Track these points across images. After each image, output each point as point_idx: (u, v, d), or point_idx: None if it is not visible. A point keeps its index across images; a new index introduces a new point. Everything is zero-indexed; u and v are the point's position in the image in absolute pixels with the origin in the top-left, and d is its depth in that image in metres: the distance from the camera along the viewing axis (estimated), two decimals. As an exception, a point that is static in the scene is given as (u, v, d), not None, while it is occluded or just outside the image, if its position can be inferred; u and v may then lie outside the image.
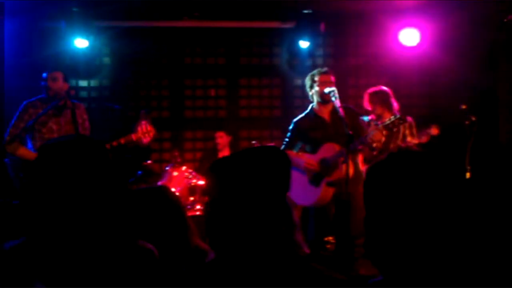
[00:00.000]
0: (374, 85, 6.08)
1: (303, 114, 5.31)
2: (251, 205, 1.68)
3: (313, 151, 5.19)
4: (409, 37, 7.07)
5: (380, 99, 5.71)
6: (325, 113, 5.19)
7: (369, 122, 5.42)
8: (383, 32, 7.19)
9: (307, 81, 5.24)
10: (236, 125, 7.30)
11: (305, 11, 6.93)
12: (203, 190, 6.00)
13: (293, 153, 5.17)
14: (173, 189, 5.88)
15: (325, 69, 5.23)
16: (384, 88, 5.77)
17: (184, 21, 7.16)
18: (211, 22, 7.29)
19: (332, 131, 5.12)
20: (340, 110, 4.89)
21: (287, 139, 5.31)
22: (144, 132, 5.41)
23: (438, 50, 7.00)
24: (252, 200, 1.69)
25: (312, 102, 5.25)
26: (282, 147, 5.30)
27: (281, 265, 1.69)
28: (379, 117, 5.69)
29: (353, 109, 5.25)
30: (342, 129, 4.84)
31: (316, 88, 5.13)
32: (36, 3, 6.43)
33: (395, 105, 5.70)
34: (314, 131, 5.19)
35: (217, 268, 1.69)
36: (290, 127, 5.29)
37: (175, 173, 6.11)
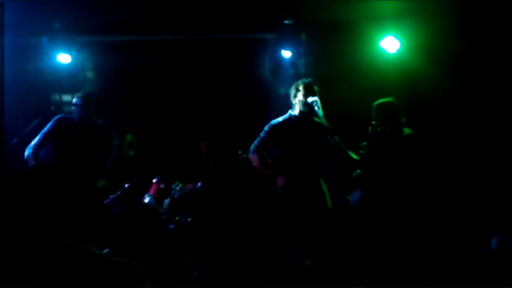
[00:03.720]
0: (357, 92, 6.14)
1: (281, 119, 5.43)
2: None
3: (284, 156, 5.31)
4: (390, 44, 7.15)
5: (384, 112, 5.56)
6: (306, 122, 5.31)
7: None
8: (364, 40, 7.26)
9: (292, 91, 5.40)
10: (220, 135, 7.31)
11: (286, 22, 6.99)
12: (192, 202, 6.01)
13: None
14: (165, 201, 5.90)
15: (308, 79, 5.37)
16: (390, 100, 5.63)
17: (167, 34, 7.20)
18: (194, 35, 7.32)
19: (310, 140, 5.25)
20: (323, 120, 5.03)
21: (260, 139, 5.41)
22: (129, 144, 5.45)
23: (418, 57, 7.10)
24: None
25: (292, 109, 5.38)
26: (253, 147, 5.41)
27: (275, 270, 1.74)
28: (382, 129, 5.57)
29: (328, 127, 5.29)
30: (321, 138, 4.98)
31: (300, 98, 5.28)
32: (18, 19, 6.43)
33: (400, 119, 5.55)
34: (291, 138, 5.31)
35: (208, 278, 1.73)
36: (266, 129, 5.40)
37: (162, 186, 6.11)
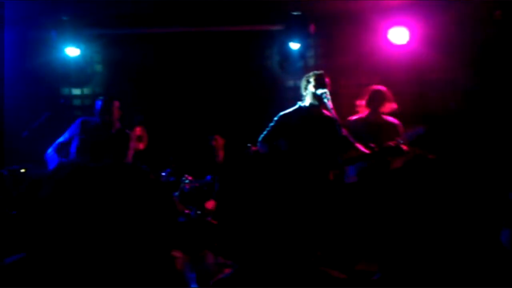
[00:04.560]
0: (365, 84, 6.16)
1: (291, 110, 5.46)
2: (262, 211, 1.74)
3: (292, 147, 5.32)
4: (399, 35, 7.12)
5: (374, 99, 5.83)
6: (315, 114, 5.32)
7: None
8: (373, 31, 7.23)
9: (302, 82, 5.42)
10: (229, 127, 7.32)
11: (295, 13, 6.98)
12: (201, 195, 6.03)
13: None
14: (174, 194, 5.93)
15: (320, 71, 5.38)
16: (380, 87, 5.86)
17: (175, 27, 7.20)
18: (202, 27, 7.31)
19: (318, 131, 5.26)
20: (333, 112, 5.05)
21: (269, 129, 5.44)
22: (139, 137, 5.51)
23: (427, 48, 7.07)
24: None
25: (302, 101, 5.39)
26: (262, 137, 5.44)
27: (286, 264, 1.75)
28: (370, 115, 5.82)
29: (337, 122, 5.34)
30: (330, 130, 5.01)
31: (310, 89, 5.30)
32: (27, 13, 6.45)
33: (391, 106, 5.78)
34: (300, 129, 5.32)
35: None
36: (276, 119, 5.43)
37: (172, 179, 6.13)
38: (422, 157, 5.22)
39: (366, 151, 5.35)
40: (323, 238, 5.16)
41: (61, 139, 5.76)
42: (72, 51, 6.87)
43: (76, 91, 7.32)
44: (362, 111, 5.96)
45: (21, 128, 5.97)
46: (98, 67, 7.39)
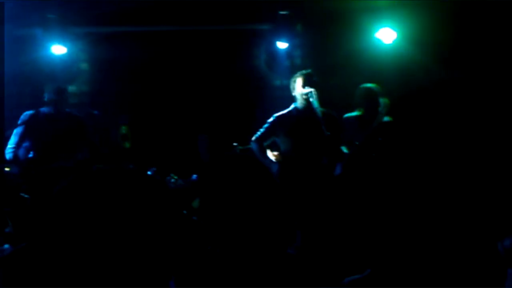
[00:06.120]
0: (353, 83, 6.15)
1: (285, 111, 5.48)
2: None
3: (287, 148, 5.34)
4: (386, 35, 7.13)
5: (366, 97, 5.80)
6: (307, 114, 5.32)
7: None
8: (360, 30, 7.24)
9: (291, 83, 5.43)
10: (216, 126, 7.30)
11: (282, 12, 6.97)
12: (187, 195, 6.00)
13: None
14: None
15: (306, 71, 5.39)
16: (371, 85, 5.84)
17: (162, 25, 7.17)
18: (189, 26, 7.29)
19: (312, 131, 5.25)
20: (321, 111, 5.06)
21: (263, 130, 5.46)
22: (124, 136, 5.49)
23: (414, 48, 7.08)
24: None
25: (295, 102, 5.41)
26: (255, 137, 5.45)
27: (272, 263, 1.74)
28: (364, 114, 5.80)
29: (334, 117, 5.38)
30: (321, 130, 5.00)
31: (297, 89, 5.31)
32: (12, 11, 6.40)
33: (381, 103, 5.76)
34: (294, 130, 5.33)
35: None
36: (270, 120, 5.46)
37: (157, 178, 6.10)
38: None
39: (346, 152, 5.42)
40: (312, 235, 5.16)
41: (13, 140, 5.80)
42: (58, 49, 6.83)
43: (61, 89, 7.26)
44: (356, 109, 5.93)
45: (5, 127, 5.93)
46: (84, 65, 7.35)
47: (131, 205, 1.36)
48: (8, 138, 5.84)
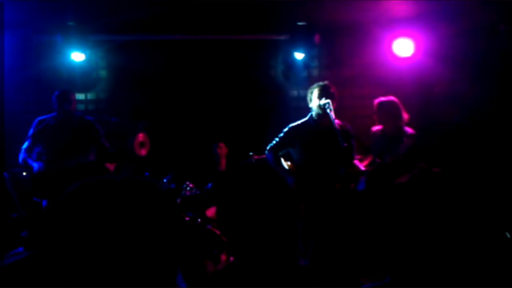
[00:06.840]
0: (369, 95, 6.16)
1: (301, 121, 5.48)
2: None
3: (301, 159, 5.35)
4: (403, 47, 7.14)
5: (386, 110, 5.79)
6: (323, 125, 5.32)
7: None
8: (377, 42, 7.25)
9: (308, 94, 5.45)
10: (232, 136, 7.31)
11: (300, 23, 7.00)
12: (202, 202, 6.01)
13: None
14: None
15: (323, 82, 5.40)
16: (392, 98, 5.84)
17: (181, 34, 7.22)
18: (207, 35, 7.33)
19: (328, 143, 5.26)
20: (336, 123, 5.06)
21: (278, 140, 5.48)
22: (142, 143, 5.53)
23: (432, 61, 7.07)
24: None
25: (311, 113, 5.41)
26: (270, 146, 5.47)
27: (283, 271, 1.75)
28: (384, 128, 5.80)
29: (348, 130, 5.39)
30: (337, 141, 5.00)
31: (314, 101, 5.32)
32: (32, 17, 6.47)
33: (404, 116, 5.76)
34: (310, 141, 5.33)
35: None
36: (285, 130, 5.48)
37: (173, 186, 6.12)
38: (427, 171, 5.20)
39: (362, 168, 5.40)
40: (327, 247, 5.15)
41: (25, 145, 5.91)
42: (77, 56, 6.89)
43: (80, 96, 7.33)
44: (379, 123, 5.92)
45: (25, 134, 6.01)
46: (103, 73, 7.41)
47: (128, 211, 1.39)
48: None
